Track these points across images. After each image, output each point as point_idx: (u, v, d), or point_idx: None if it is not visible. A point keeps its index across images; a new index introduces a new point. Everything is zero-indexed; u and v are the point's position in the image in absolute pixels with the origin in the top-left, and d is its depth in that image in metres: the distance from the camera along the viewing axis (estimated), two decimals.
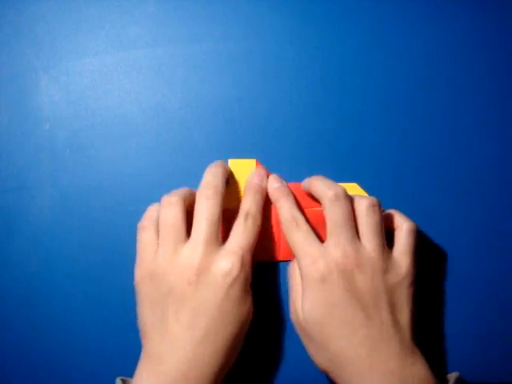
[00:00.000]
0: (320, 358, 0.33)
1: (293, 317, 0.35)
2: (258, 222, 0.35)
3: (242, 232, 0.34)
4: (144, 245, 0.34)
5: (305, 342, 0.34)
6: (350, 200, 0.34)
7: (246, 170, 0.38)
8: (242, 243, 0.33)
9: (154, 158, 0.39)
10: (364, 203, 0.33)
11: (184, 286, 0.32)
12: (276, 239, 0.37)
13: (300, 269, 0.33)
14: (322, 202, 0.34)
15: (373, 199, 0.34)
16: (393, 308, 0.32)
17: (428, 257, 0.38)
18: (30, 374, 0.38)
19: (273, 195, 0.36)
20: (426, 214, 0.38)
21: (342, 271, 0.32)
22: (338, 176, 0.38)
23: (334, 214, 0.33)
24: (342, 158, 0.39)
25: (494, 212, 0.39)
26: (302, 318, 0.33)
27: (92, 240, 0.38)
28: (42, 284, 0.38)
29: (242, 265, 0.33)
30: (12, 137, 0.39)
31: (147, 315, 0.33)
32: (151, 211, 0.35)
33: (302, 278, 0.33)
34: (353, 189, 0.38)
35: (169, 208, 0.33)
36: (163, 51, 0.39)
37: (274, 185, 0.37)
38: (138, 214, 0.38)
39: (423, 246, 0.38)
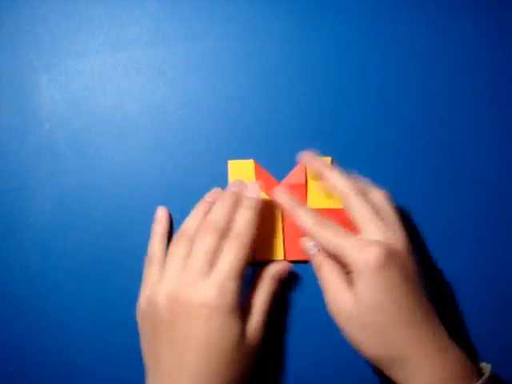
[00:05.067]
0: (370, 347, 0.32)
1: (333, 307, 0.34)
2: (246, 240, 0.34)
3: (228, 255, 0.34)
4: (145, 277, 0.36)
5: (353, 331, 0.33)
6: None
7: (244, 171, 0.38)
8: (225, 270, 0.33)
9: (154, 158, 0.39)
10: (379, 195, 0.35)
11: (170, 317, 0.32)
12: (284, 239, 0.38)
13: (347, 260, 0.33)
14: (346, 198, 0.35)
15: (384, 191, 0.36)
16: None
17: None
18: (30, 374, 0.38)
19: (286, 207, 0.36)
20: (428, 214, 0.38)
21: (391, 254, 0.32)
22: None
23: (363, 209, 0.34)
24: (342, 158, 0.39)
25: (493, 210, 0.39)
26: (355, 304, 0.32)
27: (92, 240, 0.38)
28: (42, 284, 0.38)
29: (221, 294, 0.32)
30: (12, 137, 0.39)
31: (144, 345, 0.34)
32: (153, 244, 0.37)
33: (350, 267, 0.33)
34: None
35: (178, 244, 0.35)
36: (163, 51, 0.39)
37: (283, 198, 0.36)
38: (138, 214, 0.38)
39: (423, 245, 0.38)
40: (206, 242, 0.33)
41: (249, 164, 0.38)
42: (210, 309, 0.32)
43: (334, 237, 0.34)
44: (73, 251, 0.38)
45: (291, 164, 0.38)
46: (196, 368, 0.31)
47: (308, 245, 0.36)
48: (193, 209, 0.36)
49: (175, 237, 0.35)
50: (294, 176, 0.38)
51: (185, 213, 0.37)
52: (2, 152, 0.39)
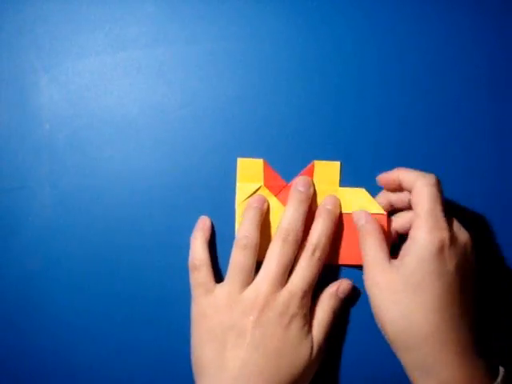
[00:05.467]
0: (394, 326, 0.32)
1: (368, 280, 0.33)
2: (325, 253, 0.35)
3: (306, 268, 0.34)
4: (199, 284, 0.35)
5: (383, 306, 0.32)
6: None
7: (253, 170, 0.38)
8: (303, 282, 0.34)
9: (154, 158, 0.39)
10: None
11: (245, 322, 0.33)
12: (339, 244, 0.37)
13: (412, 231, 0.32)
14: (414, 185, 0.33)
15: None
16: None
17: None
18: (31, 374, 0.38)
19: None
20: None
21: (457, 246, 0.32)
22: (342, 177, 0.38)
23: (426, 195, 0.32)
24: (343, 157, 0.39)
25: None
26: (395, 278, 0.32)
27: (92, 239, 0.38)
28: (42, 284, 0.38)
29: (301, 306, 0.33)
30: (12, 137, 0.39)
31: (205, 349, 0.33)
32: (196, 250, 0.36)
33: (410, 240, 0.32)
34: (360, 194, 0.37)
35: (243, 251, 0.34)
36: (163, 51, 0.39)
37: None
38: (138, 214, 0.38)
39: None
40: (284, 254, 0.34)
41: (258, 163, 0.38)
42: (290, 319, 0.33)
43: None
44: (73, 251, 0.38)
45: (291, 164, 0.38)
46: (264, 375, 0.32)
47: (358, 212, 0.36)
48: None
49: (238, 243, 0.35)
50: None
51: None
52: (1, 152, 0.39)
